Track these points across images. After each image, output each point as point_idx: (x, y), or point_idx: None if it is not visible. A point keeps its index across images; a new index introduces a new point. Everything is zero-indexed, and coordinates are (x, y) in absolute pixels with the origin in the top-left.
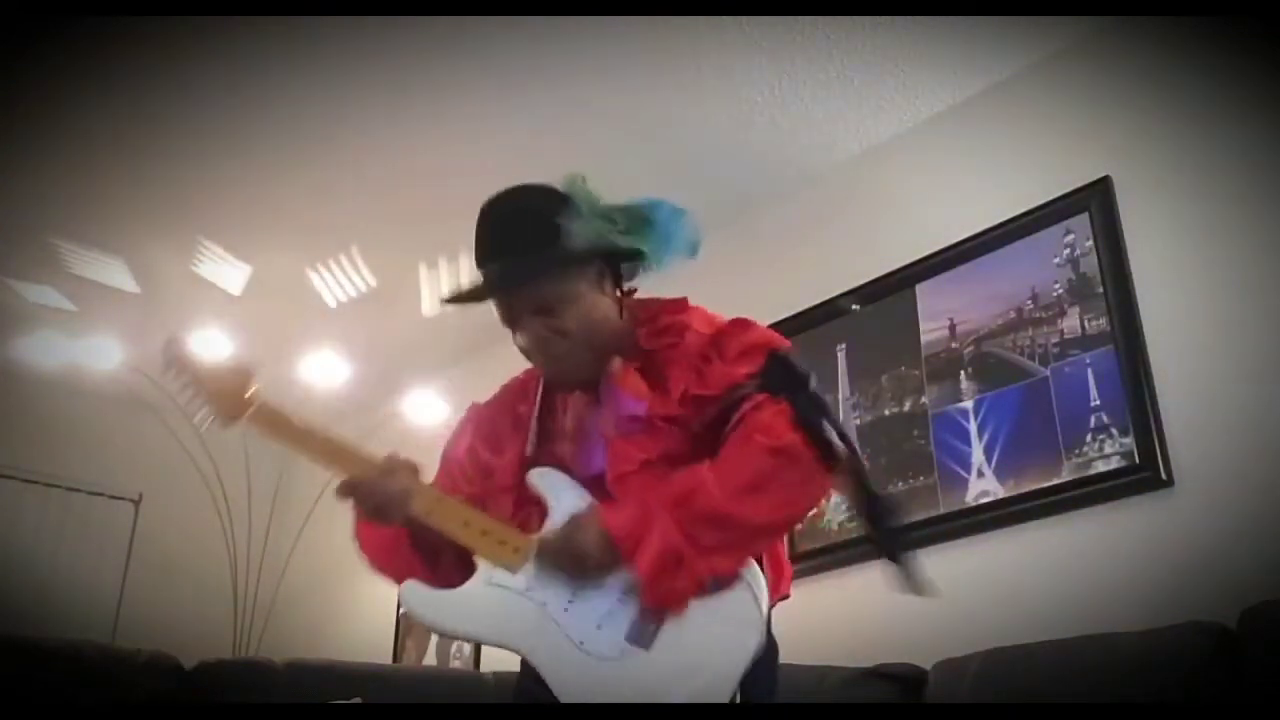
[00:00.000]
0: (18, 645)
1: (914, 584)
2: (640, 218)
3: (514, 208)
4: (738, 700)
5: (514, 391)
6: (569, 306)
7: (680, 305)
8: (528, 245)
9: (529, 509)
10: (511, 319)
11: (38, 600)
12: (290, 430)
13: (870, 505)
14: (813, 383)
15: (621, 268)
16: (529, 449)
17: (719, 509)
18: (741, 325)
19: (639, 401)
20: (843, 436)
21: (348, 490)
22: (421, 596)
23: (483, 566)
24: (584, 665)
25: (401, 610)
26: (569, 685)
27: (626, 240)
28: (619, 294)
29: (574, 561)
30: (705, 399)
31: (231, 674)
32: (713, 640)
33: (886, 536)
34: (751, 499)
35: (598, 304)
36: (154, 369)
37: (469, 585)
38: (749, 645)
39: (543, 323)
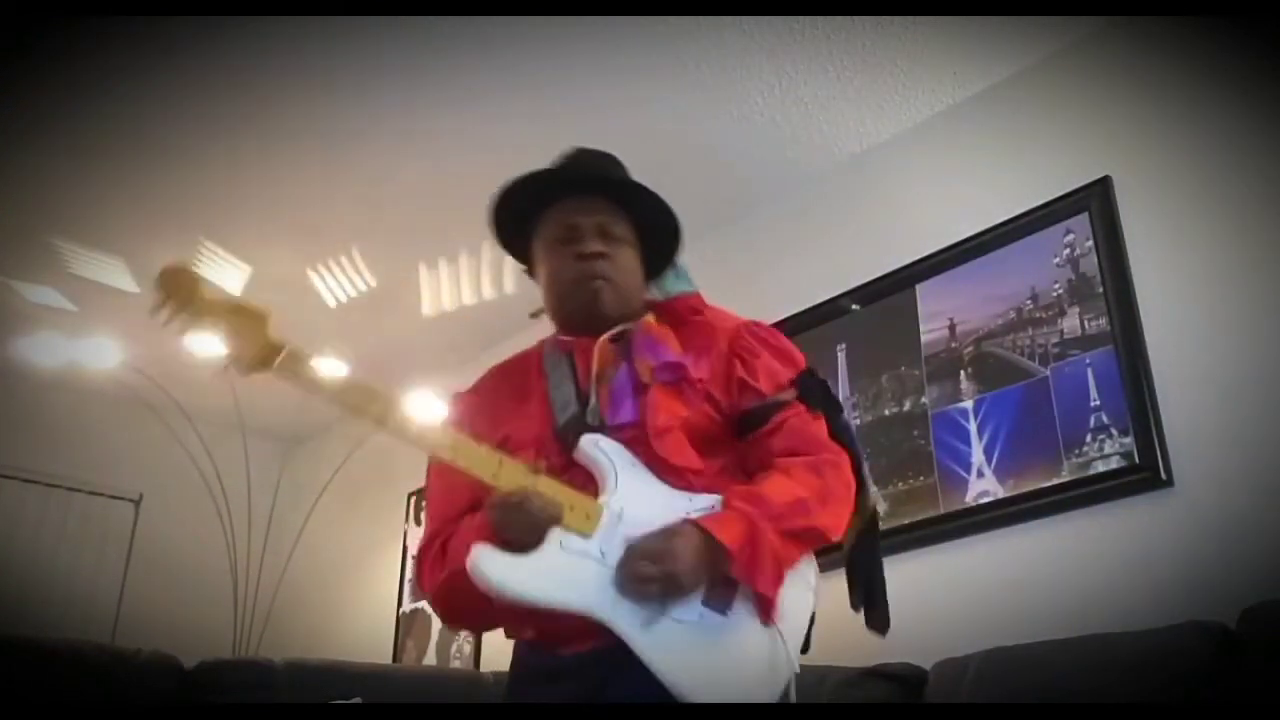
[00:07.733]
0: (18, 645)
1: (875, 623)
2: None
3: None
4: (799, 652)
5: (509, 370)
6: (624, 246)
7: (698, 297)
8: (624, 175)
9: (565, 473)
10: (574, 226)
11: (38, 600)
12: (321, 383)
13: (854, 556)
14: (843, 412)
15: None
16: (563, 414)
17: (817, 525)
18: (768, 327)
19: (676, 353)
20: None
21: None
22: (499, 563)
23: (554, 532)
24: (667, 627)
25: (478, 577)
26: (656, 648)
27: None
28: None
29: (678, 579)
30: (750, 388)
31: (231, 674)
32: (782, 602)
33: (857, 590)
34: (832, 515)
35: (635, 261)
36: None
37: (545, 551)
38: (810, 604)
39: (602, 243)
